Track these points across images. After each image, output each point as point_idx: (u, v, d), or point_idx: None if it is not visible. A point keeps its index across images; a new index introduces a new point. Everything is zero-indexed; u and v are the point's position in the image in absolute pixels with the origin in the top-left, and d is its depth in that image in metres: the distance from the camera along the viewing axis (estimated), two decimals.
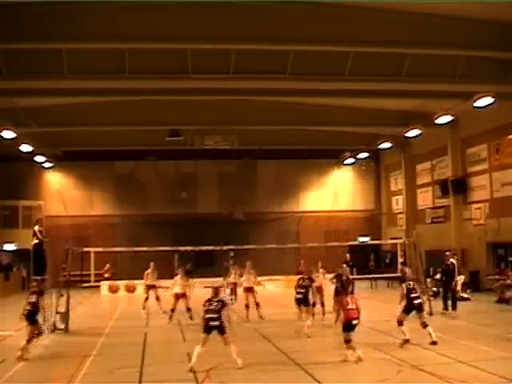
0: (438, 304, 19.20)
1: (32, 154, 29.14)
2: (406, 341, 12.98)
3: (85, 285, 20.62)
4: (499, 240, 24.48)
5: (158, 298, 20.57)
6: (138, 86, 20.55)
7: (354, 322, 11.69)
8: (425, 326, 13.23)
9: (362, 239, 31.93)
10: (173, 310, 17.99)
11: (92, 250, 20.11)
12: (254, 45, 17.20)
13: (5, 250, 31.97)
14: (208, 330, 11.36)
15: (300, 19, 16.39)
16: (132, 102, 24.76)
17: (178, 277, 18.65)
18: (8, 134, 23.45)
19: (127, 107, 25.27)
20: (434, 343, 12.91)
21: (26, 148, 27.13)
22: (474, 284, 24.87)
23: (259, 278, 19.73)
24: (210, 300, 11.61)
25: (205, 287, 24.29)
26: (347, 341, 11.62)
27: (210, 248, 21.27)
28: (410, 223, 31.61)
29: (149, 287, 20.85)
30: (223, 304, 11.61)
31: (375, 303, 23.11)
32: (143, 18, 15.85)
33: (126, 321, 19.59)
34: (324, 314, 17.46)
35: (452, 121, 25.01)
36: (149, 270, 20.87)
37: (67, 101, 24.34)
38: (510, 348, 12.72)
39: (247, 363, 11.56)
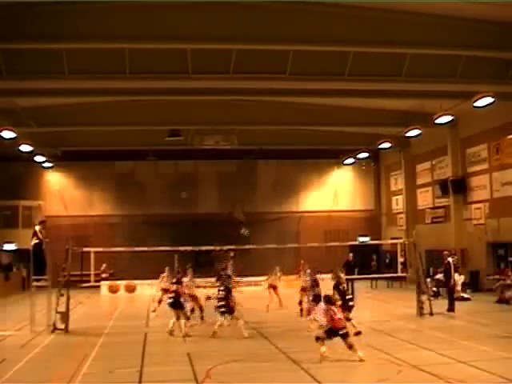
0: (438, 304, 19.18)
1: (32, 153, 29.07)
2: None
3: (85, 285, 20.57)
4: (499, 240, 24.45)
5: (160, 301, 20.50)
6: (138, 85, 20.52)
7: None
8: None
9: (361, 239, 31.87)
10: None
11: (92, 249, 20.02)
12: (254, 45, 17.20)
13: (5, 250, 31.97)
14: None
15: (300, 19, 16.39)
16: (132, 102, 24.75)
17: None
18: (8, 134, 23.38)
19: (127, 107, 25.25)
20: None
21: (25, 148, 27.07)
22: (474, 284, 24.87)
23: (259, 278, 19.65)
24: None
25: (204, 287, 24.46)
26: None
27: (210, 248, 21.21)
28: (409, 223, 31.58)
29: (165, 291, 20.57)
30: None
31: (375, 303, 23.15)
32: (143, 17, 15.86)
33: (125, 321, 19.60)
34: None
35: (452, 121, 24.95)
36: (165, 274, 20.71)
37: (67, 101, 24.32)
38: (510, 348, 12.72)
39: (247, 363, 11.55)
